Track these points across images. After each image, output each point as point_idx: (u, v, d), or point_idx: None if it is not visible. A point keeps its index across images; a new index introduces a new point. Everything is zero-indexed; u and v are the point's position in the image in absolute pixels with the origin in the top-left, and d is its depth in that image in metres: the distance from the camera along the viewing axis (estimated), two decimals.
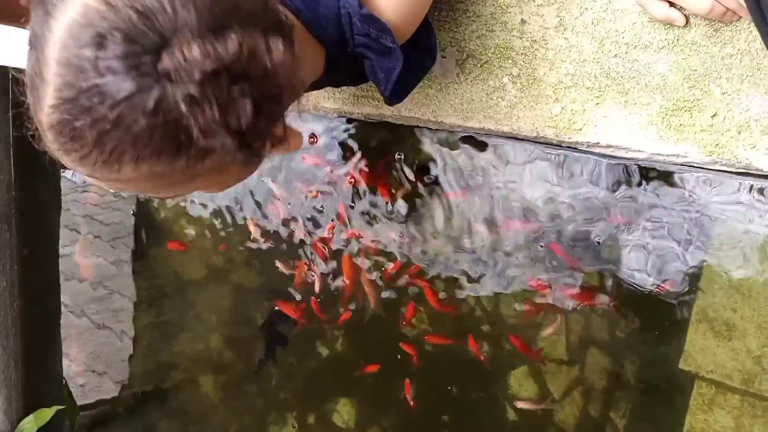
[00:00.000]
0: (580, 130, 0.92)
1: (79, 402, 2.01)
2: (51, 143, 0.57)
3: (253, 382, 1.76)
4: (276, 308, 1.64)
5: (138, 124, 0.53)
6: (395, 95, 0.82)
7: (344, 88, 1.06)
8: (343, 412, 1.62)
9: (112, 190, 0.67)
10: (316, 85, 0.89)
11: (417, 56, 0.85)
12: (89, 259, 1.99)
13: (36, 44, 0.57)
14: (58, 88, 0.54)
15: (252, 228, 1.61)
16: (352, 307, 1.57)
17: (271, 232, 1.62)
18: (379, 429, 1.60)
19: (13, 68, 0.73)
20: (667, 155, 0.88)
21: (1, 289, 1.73)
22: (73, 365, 2.02)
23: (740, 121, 0.82)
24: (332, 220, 1.50)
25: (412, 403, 1.51)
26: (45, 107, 0.55)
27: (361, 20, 0.73)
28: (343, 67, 0.81)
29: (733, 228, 1.17)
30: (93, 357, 1.99)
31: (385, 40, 0.74)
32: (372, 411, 1.60)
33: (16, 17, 0.74)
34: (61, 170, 1.97)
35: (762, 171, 0.85)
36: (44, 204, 1.96)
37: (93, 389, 2.00)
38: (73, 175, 1.99)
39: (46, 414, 1.81)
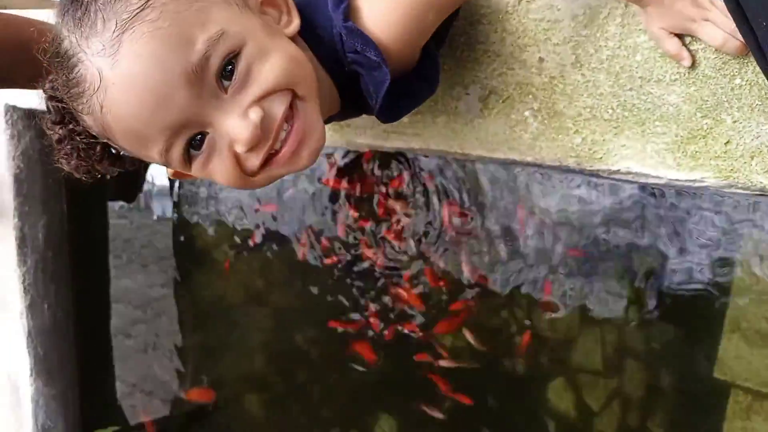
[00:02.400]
0: (601, 159, 0.96)
1: (131, 422, 2.08)
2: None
3: (296, 400, 1.80)
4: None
5: None
6: (384, 113, 0.86)
7: (374, 125, 1.12)
8: (385, 427, 1.65)
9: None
10: (339, 117, 0.95)
11: (417, 84, 0.89)
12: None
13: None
14: None
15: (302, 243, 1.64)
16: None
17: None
18: None
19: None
20: (685, 181, 0.92)
21: (59, 318, 1.83)
22: (123, 386, 2.09)
23: (752, 147, 0.85)
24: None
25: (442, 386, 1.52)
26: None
27: (346, 33, 0.77)
28: (350, 93, 0.85)
29: (762, 236, 1.19)
30: (142, 378, 2.06)
31: (369, 54, 0.77)
32: (412, 426, 1.63)
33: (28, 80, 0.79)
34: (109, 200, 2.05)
35: None
36: (94, 233, 2.05)
37: (143, 410, 2.07)
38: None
39: None
